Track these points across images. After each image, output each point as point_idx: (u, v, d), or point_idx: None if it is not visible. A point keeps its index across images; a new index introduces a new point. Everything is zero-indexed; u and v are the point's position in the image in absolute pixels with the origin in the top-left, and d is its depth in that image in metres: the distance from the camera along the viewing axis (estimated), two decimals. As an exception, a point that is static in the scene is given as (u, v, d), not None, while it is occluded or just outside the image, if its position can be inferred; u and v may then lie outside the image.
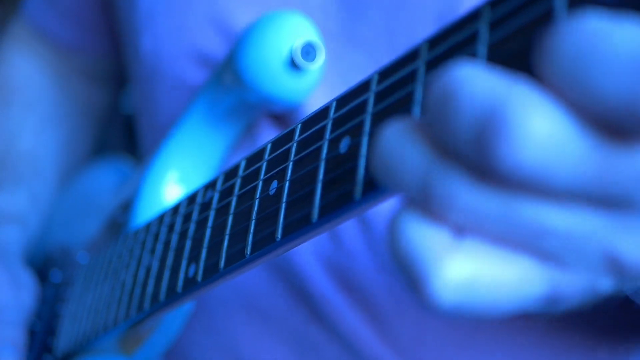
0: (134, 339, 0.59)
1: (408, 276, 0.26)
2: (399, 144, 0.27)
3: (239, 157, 0.63)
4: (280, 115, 0.63)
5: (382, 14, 0.60)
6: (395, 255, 0.26)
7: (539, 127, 0.23)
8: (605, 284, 0.26)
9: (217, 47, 0.65)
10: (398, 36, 0.59)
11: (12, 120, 0.88)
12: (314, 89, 0.57)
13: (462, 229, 0.26)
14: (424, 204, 0.26)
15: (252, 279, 0.63)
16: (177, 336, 0.64)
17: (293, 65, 0.55)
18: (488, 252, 0.26)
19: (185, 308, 0.62)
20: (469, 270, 0.25)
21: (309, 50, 0.55)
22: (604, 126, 0.23)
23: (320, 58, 0.55)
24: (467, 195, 0.25)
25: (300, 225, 0.38)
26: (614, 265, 0.25)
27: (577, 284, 0.26)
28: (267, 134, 0.63)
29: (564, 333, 0.62)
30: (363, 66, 0.60)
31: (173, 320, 0.61)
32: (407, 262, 0.26)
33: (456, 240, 0.26)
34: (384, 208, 0.59)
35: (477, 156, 0.24)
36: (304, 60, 0.54)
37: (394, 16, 0.59)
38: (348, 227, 0.60)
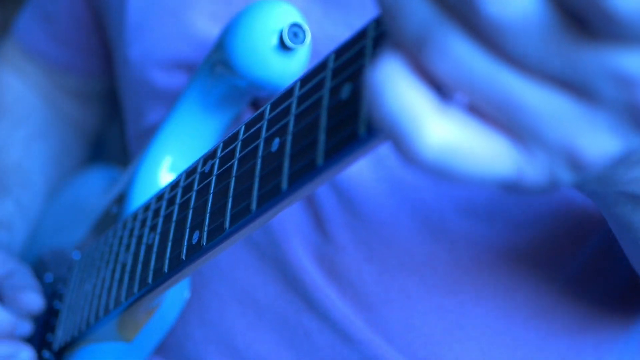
0: (133, 325, 0.60)
1: (392, 131, 0.28)
2: None
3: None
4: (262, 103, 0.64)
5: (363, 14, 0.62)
6: (379, 107, 0.28)
7: None
8: (563, 177, 0.29)
9: (200, 57, 0.67)
10: None
11: (1, 134, 0.89)
12: (302, 71, 0.59)
13: (447, 93, 0.28)
14: (418, 50, 0.27)
15: (245, 271, 0.64)
16: (176, 321, 0.64)
17: (282, 47, 0.57)
18: (469, 123, 0.28)
19: (182, 294, 0.62)
20: (451, 136, 0.28)
21: (296, 32, 0.57)
22: (572, 17, 0.26)
23: (308, 39, 0.57)
24: (459, 45, 0.27)
25: (305, 172, 0.39)
26: (571, 157, 0.28)
27: (538, 172, 0.28)
28: None
29: (551, 317, 0.63)
30: None
31: (171, 305, 0.62)
32: (393, 117, 0.28)
33: (441, 104, 0.28)
34: (373, 197, 0.60)
35: (464, 6, 0.26)
36: (291, 42, 0.56)
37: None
38: (336, 218, 0.61)
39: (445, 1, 0.27)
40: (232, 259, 0.65)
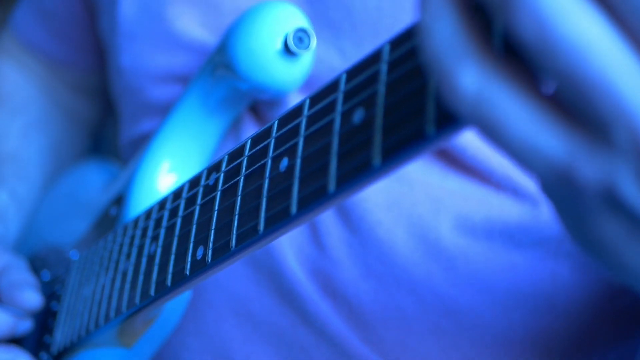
0: (133, 332, 0.59)
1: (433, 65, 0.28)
2: None
3: (224, 151, 0.63)
4: (264, 111, 0.63)
5: (350, 20, 0.60)
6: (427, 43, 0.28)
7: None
8: (623, 186, 0.25)
9: (193, 67, 0.66)
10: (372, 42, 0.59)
11: None
12: (307, 75, 0.58)
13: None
14: None
15: (241, 283, 0.63)
16: (175, 329, 0.64)
17: (287, 52, 0.55)
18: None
19: (183, 302, 0.62)
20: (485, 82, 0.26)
21: (302, 37, 0.56)
22: None
23: (313, 43, 0.56)
24: None
25: (315, 197, 0.38)
26: None
27: (595, 167, 0.25)
28: (253, 128, 0.63)
29: (546, 341, 0.62)
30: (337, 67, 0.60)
31: (172, 312, 0.61)
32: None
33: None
34: (370, 212, 0.59)
35: None
36: (296, 47, 0.55)
37: (365, 22, 0.60)
38: (333, 233, 0.60)
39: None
40: (227, 269, 0.63)
